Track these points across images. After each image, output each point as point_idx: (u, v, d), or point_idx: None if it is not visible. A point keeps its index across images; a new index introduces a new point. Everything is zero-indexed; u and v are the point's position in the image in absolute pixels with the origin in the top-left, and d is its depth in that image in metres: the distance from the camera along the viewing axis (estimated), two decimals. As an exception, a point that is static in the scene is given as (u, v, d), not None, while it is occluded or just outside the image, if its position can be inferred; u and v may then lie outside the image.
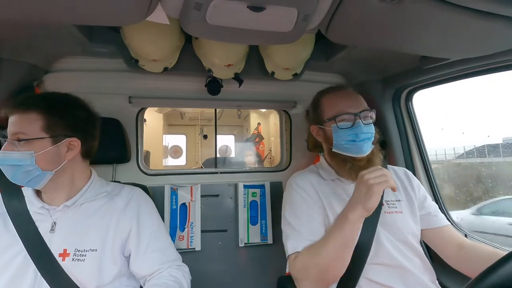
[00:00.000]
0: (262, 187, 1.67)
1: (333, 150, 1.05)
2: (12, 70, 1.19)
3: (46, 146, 0.90)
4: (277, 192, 1.68)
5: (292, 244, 0.99)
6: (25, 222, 0.91)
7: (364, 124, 1.00)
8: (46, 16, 0.73)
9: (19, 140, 0.87)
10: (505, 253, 0.87)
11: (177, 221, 1.53)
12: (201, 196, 1.59)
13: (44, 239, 0.90)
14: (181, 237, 1.52)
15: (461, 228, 1.36)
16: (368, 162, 1.02)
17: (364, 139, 0.99)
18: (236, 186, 1.65)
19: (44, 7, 0.67)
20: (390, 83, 1.53)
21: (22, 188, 0.99)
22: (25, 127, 0.89)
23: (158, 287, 0.90)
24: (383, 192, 1.07)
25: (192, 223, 1.54)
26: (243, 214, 1.62)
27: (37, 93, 0.97)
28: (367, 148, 1.01)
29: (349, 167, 1.03)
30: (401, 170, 1.22)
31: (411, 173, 1.21)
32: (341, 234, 0.91)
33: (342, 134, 1.01)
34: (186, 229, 1.53)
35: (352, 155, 1.01)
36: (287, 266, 1.43)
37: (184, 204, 1.56)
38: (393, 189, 0.90)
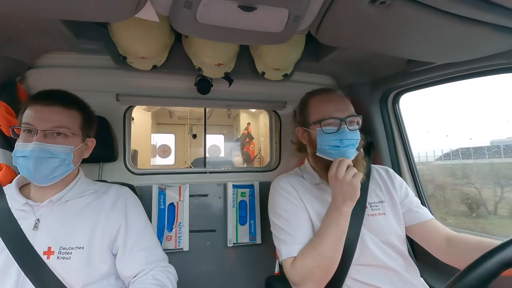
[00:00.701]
0: (251, 187, 1.67)
1: (317, 154, 1.05)
2: (-7, 64, 1.14)
3: (79, 143, 0.96)
4: (267, 192, 1.65)
5: (286, 248, 0.99)
6: (6, 220, 0.88)
7: (349, 129, 1.00)
8: (32, 10, 0.71)
9: (58, 133, 0.90)
10: (491, 240, 0.89)
11: (165, 221, 1.51)
12: (190, 196, 1.58)
13: (27, 236, 0.87)
14: (169, 237, 1.50)
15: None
16: None
17: (348, 145, 0.99)
18: (225, 186, 1.65)
19: (30, 0, 0.65)
20: (378, 85, 1.56)
21: (3, 187, 0.97)
22: (68, 121, 0.92)
23: None
24: (367, 196, 1.10)
25: (180, 223, 1.53)
26: (232, 214, 1.61)
27: (65, 91, 1.00)
28: (351, 154, 1.01)
29: None
30: (383, 170, 1.23)
31: (392, 171, 1.23)
32: (338, 229, 0.93)
33: (327, 138, 1.00)
34: (174, 229, 1.52)
35: None
36: (276, 266, 1.44)
37: (172, 204, 1.54)
38: (362, 179, 0.94)
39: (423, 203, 1.47)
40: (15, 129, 0.91)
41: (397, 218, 1.09)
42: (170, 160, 5.49)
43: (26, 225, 0.89)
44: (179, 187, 1.57)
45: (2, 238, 0.85)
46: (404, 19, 0.75)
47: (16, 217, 0.89)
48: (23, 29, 1.05)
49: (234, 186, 1.64)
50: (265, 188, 1.69)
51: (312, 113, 1.07)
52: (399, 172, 1.55)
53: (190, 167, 4.51)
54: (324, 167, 1.04)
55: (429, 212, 1.12)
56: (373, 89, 1.58)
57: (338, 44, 1.10)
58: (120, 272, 0.97)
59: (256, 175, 1.76)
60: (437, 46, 0.91)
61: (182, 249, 1.51)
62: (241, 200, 1.65)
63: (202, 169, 1.72)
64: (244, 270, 1.62)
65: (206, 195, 1.63)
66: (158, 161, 5.38)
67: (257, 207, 1.65)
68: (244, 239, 1.61)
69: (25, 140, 0.88)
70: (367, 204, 1.08)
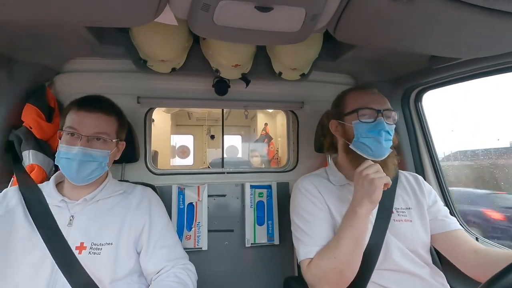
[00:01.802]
0: (269, 187, 1.67)
1: (350, 146, 1.02)
2: (24, 71, 1.21)
3: (114, 147, 1.04)
4: (284, 193, 1.67)
5: (304, 249, 0.98)
6: (44, 215, 0.94)
7: (386, 122, 0.98)
8: (58, 19, 0.75)
9: (98, 138, 0.97)
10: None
11: (184, 221, 1.54)
12: (208, 196, 1.60)
13: (62, 232, 0.92)
14: (188, 237, 1.53)
15: (472, 232, 1.33)
16: (382, 166, 0.96)
17: (384, 138, 0.96)
18: (243, 186, 1.65)
19: (57, 9, 0.68)
20: (399, 83, 1.51)
21: (39, 184, 1.03)
22: (108, 128, 1.00)
23: None
24: (394, 200, 1.06)
25: (199, 222, 1.55)
26: (249, 214, 1.61)
27: (105, 98, 1.08)
28: (387, 148, 0.98)
29: None
30: (411, 176, 1.18)
31: (422, 178, 1.18)
32: (353, 232, 0.90)
33: (363, 128, 0.98)
34: (193, 229, 1.54)
35: (368, 157, 0.97)
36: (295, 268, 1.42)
37: (191, 203, 1.57)
38: (387, 185, 0.91)
39: (448, 205, 1.41)
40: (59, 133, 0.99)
41: (424, 227, 1.05)
42: (189, 161, 5.58)
43: (61, 221, 0.94)
44: (198, 187, 1.59)
45: (39, 232, 0.90)
46: (427, 14, 0.72)
47: (52, 212, 0.95)
48: (51, 37, 1.11)
49: (252, 187, 1.65)
50: (282, 189, 1.69)
51: (349, 104, 1.06)
52: (422, 174, 1.50)
53: (209, 167, 4.57)
54: (354, 160, 1.01)
55: (457, 223, 1.06)
56: (394, 87, 1.54)
57: (357, 42, 1.08)
58: (143, 268, 1.00)
59: (274, 176, 1.75)
60: (462, 41, 0.87)
61: (201, 248, 1.53)
62: (258, 200, 1.65)
63: (220, 170, 1.74)
64: (262, 270, 1.62)
65: (224, 195, 1.64)
66: (177, 161, 5.49)
67: (275, 207, 1.65)
68: (262, 239, 1.61)
69: (68, 142, 0.94)
70: (393, 209, 1.04)
